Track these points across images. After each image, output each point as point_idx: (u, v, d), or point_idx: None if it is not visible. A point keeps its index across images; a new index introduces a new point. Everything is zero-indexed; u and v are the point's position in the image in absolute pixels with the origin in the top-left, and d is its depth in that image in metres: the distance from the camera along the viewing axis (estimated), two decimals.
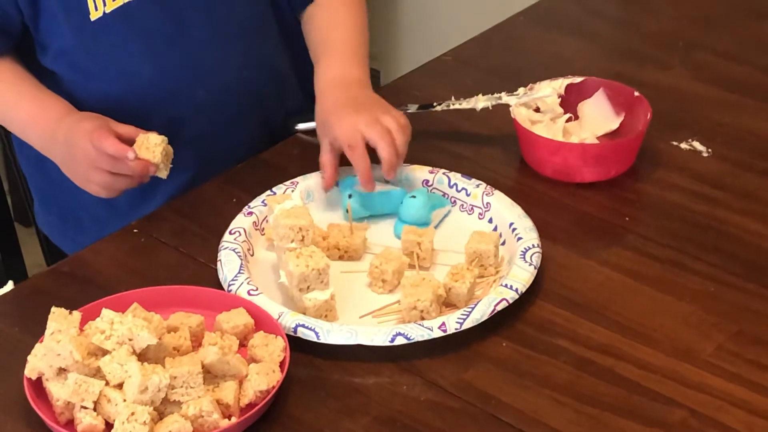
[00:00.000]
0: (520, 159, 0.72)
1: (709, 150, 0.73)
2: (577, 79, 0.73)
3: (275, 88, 0.78)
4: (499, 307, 0.54)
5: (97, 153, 0.63)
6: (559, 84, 0.72)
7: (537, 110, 0.72)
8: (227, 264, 0.58)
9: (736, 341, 0.54)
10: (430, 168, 0.68)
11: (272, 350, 0.52)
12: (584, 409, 0.50)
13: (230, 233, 0.62)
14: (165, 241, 0.64)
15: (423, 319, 0.54)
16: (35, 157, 0.74)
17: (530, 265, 0.57)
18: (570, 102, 0.73)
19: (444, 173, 0.67)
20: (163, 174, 0.64)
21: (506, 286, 0.56)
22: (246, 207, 0.64)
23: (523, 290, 0.56)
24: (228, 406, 0.50)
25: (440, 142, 0.74)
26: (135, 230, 0.66)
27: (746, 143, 0.74)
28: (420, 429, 0.50)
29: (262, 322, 0.55)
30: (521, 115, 0.71)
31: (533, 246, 0.59)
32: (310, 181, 0.67)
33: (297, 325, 0.53)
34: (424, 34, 1.76)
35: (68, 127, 0.66)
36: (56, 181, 0.71)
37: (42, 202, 0.81)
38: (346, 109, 0.66)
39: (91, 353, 0.50)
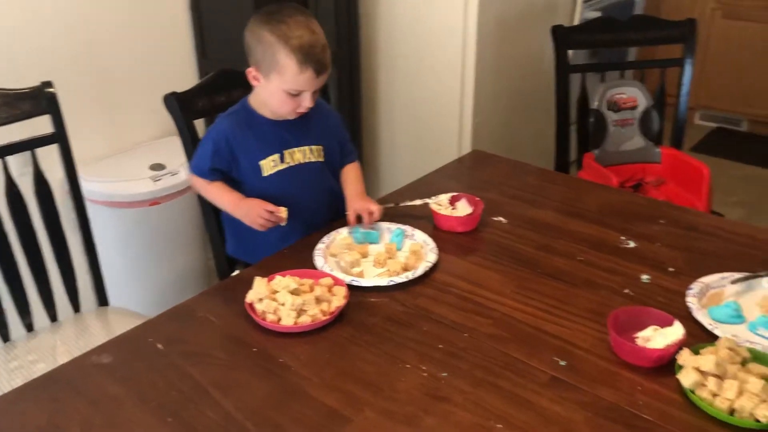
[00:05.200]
0: (432, 224, 1.64)
1: (507, 220, 1.66)
2: (456, 194, 1.69)
3: (333, 201, 1.70)
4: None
5: (263, 210, 1.51)
6: (449, 196, 1.69)
7: (440, 204, 1.69)
8: (318, 260, 1.50)
9: (523, 287, 1.46)
10: (394, 224, 1.63)
11: (341, 292, 1.43)
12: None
13: (318, 245, 1.53)
14: (295, 256, 1.56)
15: (396, 275, 1.46)
16: (228, 217, 1.65)
17: (431, 261, 1.48)
18: (453, 201, 1.68)
19: (398, 226, 1.59)
20: (284, 224, 1.56)
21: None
22: (325, 236, 1.56)
23: (429, 267, 1.47)
24: (326, 312, 1.40)
25: (400, 217, 1.69)
26: (285, 251, 1.57)
27: (524, 220, 1.68)
28: (411, 323, 1.40)
29: (337, 281, 1.42)
30: (434, 206, 1.66)
31: (434, 251, 1.51)
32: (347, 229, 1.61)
33: (351, 281, 1.45)
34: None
35: (247, 202, 1.53)
36: (242, 226, 1.60)
37: (232, 236, 1.72)
38: (360, 199, 1.60)
39: (272, 292, 1.42)
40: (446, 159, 2.06)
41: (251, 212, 1.53)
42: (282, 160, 1.60)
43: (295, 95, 1.51)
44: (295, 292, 1.32)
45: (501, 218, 1.67)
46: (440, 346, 1.24)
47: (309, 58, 1.45)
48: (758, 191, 3.45)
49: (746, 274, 1.38)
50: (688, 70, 2.33)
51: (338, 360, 1.22)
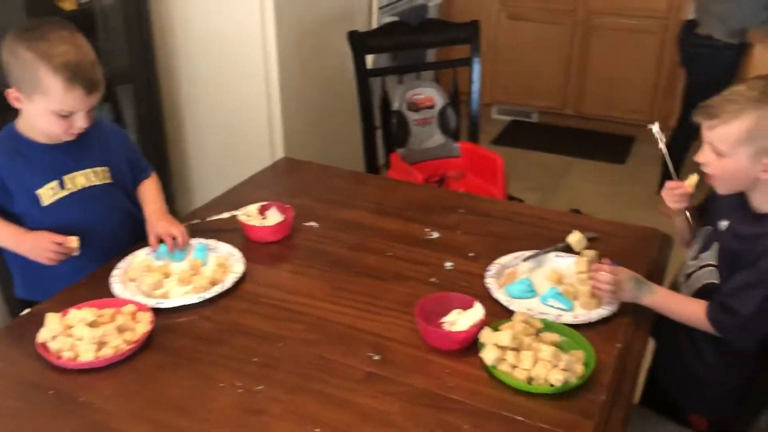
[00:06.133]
0: (243, 236, 1.60)
1: (319, 225, 1.67)
2: (265, 203, 1.66)
3: (130, 223, 1.59)
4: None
5: (49, 242, 1.37)
6: (258, 205, 1.66)
7: (249, 215, 1.66)
8: (116, 287, 1.38)
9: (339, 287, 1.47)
10: (196, 239, 1.56)
11: (145, 317, 1.34)
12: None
13: (114, 271, 1.43)
14: (92, 286, 1.44)
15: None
16: (13, 256, 1.48)
17: (238, 271, 1.43)
18: (263, 210, 1.66)
19: (200, 240, 1.53)
20: (77, 253, 1.43)
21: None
22: (121, 261, 1.47)
23: (238, 277, 1.44)
24: (130, 341, 1.29)
25: (210, 233, 1.64)
26: (81, 281, 1.45)
27: (335, 223, 1.69)
28: (223, 339, 1.34)
29: (140, 307, 1.33)
30: (243, 217, 1.62)
31: (241, 261, 1.46)
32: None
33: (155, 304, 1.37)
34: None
35: (31, 235, 1.39)
36: (30, 264, 1.45)
37: (21, 277, 1.55)
38: (159, 219, 1.52)
39: (67, 327, 1.30)
40: (260, 167, 2.04)
41: (37, 246, 1.40)
42: (62, 186, 1.47)
43: (66, 116, 1.40)
44: (93, 324, 1.23)
45: (313, 223, 1.67)
46: (255, 359, 1.21)
47: (77, 77, 1.35)
48: (551, 175, 3.78)
49: (536, 251, 1.50)
50: (476, 69, 2.49)
51: (147, 389, 1.15)
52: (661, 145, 1.41)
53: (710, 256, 1.34)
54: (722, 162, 1.25)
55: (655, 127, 1.42)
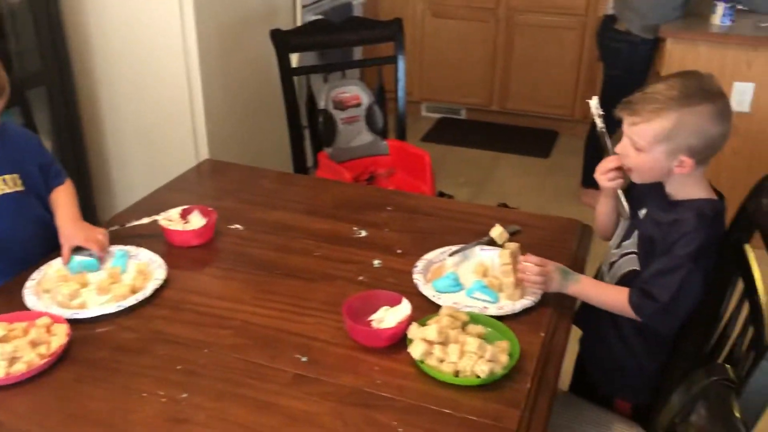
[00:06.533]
0: (165, 241, 1.54)
1: (244, 227, 1.63)
2: (187, 207, 1.62)
3: (45, 232, 1.53)
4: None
5: None
6: (180, 209, 1.62)
7: (170, 219, 1.61)
8: (29, 299, 1.31)
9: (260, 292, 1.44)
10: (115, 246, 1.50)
11: (61, 329, 1.29)
12: None
13: (28, 283, 1.36)
14: (3, 299, 1.37)
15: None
16: None
17: (159, 277, 1.39)
18: (185, 214, 1.62)
19: (120, 247, 1.48)
20: None
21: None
22: (35, 271, 1.39)
23: (159, 284, 1.39)
24: (44, 355, 1.21)
25: (131, 239, 1.58)
26: None
27: (261, 224, 1.66)
28: (145, 349, 1.28)
29: (55, 319, 1.27)
30: (164, 222, 1.57)
31: (162, 267, 1.42)
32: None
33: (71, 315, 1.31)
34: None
35: None
36: None
37: None
38: (72, 226, 1.46)
39: None
40: (185, 169, 1.98)
41: None
42: None
43: None
44: (4, 339, 1.17)
45: (238, 226, 1.64)
46: (178, 367, 1.18)
47: None
48: (480, 171, 3.84)
49: (462, 246, 1.52)
50: (401, 66, 2.50)
51: (64, 404, 1.10)
52: (598, 120, 1.39)
53: (631, 244, 1.39)
54: (640, 156, 1.29)
55: (594, 102, 1.41)
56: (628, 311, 1.30)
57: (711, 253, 1.28)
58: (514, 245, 1.39)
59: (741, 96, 2.85)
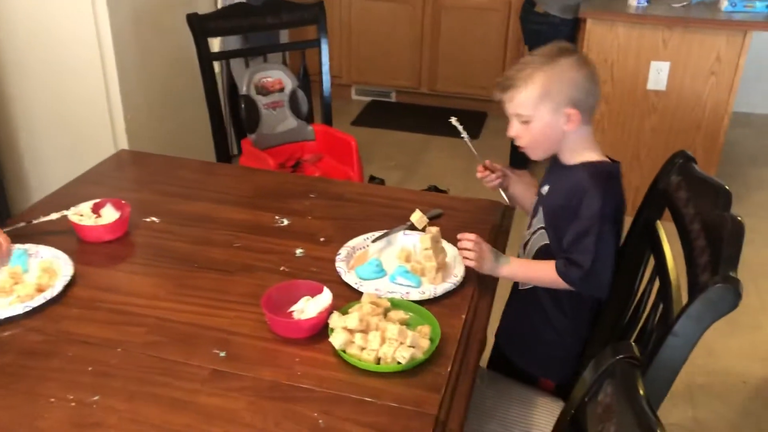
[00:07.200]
0: (76, 237, 1.48)
1: (160, 219, 1.57)
2: (99, 200, 1.55)
3: None
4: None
5: None
6: (91, 203, 1.54)
7: (81, 214, 1.54)
8: None
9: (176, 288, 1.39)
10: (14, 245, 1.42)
11: None
12: None
13: None
14: None
15: None
16: None
17: (67, 274, 1.34)
18: (97, 208, 1.55)
19: (18, 246, 1.39)
20: None
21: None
22: None
23: (68, 281, 1.34)
24: None
25: (39, 236, 1.50)
26: None
27: (179, 216, 1.60)
28: (53, 351, 1.23)
29: None
30: (74, 217, 1.49)
31: (68, 263, 1.36)
32: None
33: None
34: None
35: None
36: None
37: None
38: None
39: None
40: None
41: None
42: None
43: None
44: None
45: (154, 218, 1.59)
46: (89, 368, 1.13)
47: None
48: (411, 154, 3.85)
49: (384, 231, 1.52)
50: (324, 50, 2.47)
51: None
52: (464, 135, 1.52)
53: (539, 221, 1.43)
54: (530, 129, 1.35)
55: (453, 120, 1.53)
56: (559, 282, 1.34)
57: (615, 213, 1.33)
58: (434, 229, 1.39)
59: (657, 74, 2.94)
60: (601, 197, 1.30)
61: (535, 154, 1.40)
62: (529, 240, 1.46)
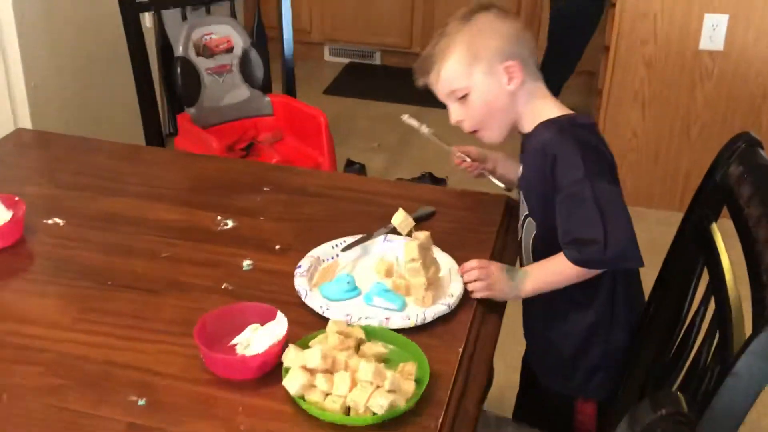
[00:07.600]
0: None
1: (65, 221, 1.54)
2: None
3: None
4: None
5: None
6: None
7: None
8: None
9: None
10: None
11: None
12: None
13: None
14: None
15: None
16: None
17: None
18: None
19: None
20: None
21: None
22: None
23: None
24: None
25: None
26: None
27: (90, 217, 1.57)
28: None
29: None
30: None
31: None
32: None
33: None
34: None
35: None
36: None
37: None
38: None
39: None
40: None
41: None
42: None
43: None
44: None
45: (57, 219, 1.56)
46: None
47: None
48: (400, 131, 3.82)
49: (358, 236, 1.48)
50: None
51: None
52: (424, 130, 1.64)
53: (524, 209, 1.49)
54: (470, 103, 1.41)
55: (405, 117, 1.65)
56: (581, 272, 1.33)
57: (600, 163, 1.34)
58: (423, 234, 1.36)
59: (712, 30, 2.92)
60: (576, 153, 1.32)
61: (491, 134, 1.45)
62: (522, 232, 1.51)
